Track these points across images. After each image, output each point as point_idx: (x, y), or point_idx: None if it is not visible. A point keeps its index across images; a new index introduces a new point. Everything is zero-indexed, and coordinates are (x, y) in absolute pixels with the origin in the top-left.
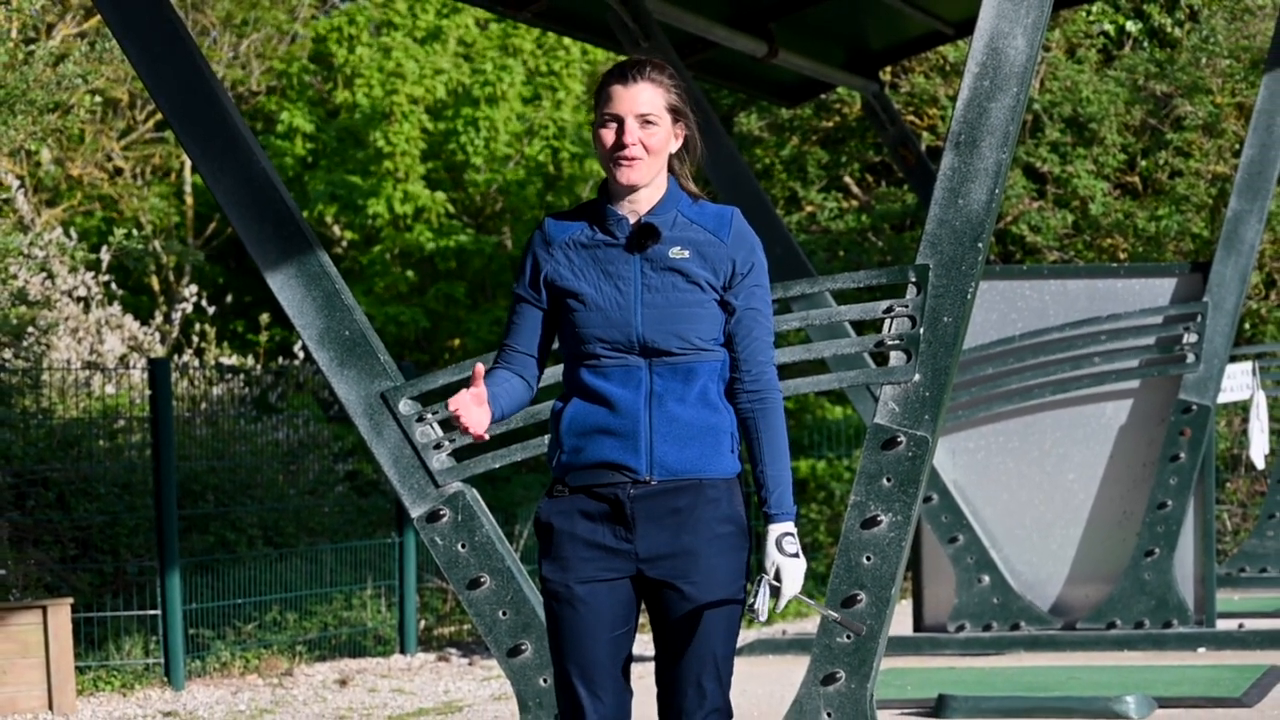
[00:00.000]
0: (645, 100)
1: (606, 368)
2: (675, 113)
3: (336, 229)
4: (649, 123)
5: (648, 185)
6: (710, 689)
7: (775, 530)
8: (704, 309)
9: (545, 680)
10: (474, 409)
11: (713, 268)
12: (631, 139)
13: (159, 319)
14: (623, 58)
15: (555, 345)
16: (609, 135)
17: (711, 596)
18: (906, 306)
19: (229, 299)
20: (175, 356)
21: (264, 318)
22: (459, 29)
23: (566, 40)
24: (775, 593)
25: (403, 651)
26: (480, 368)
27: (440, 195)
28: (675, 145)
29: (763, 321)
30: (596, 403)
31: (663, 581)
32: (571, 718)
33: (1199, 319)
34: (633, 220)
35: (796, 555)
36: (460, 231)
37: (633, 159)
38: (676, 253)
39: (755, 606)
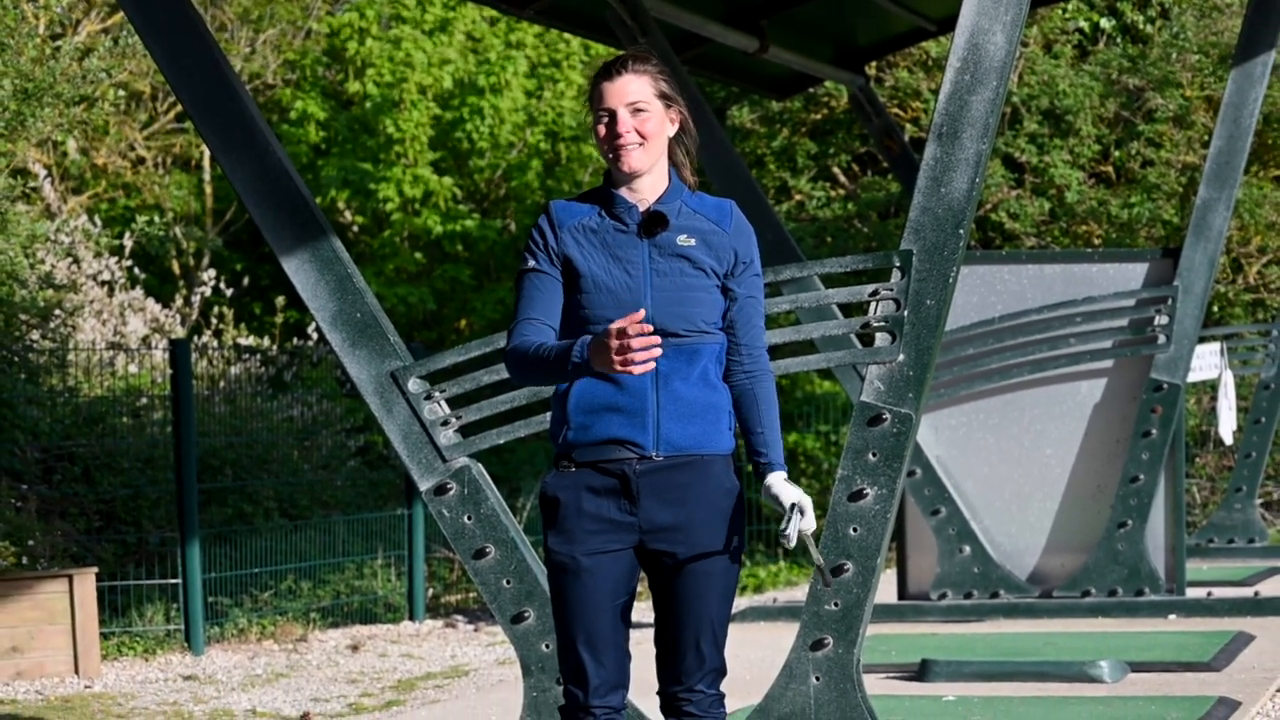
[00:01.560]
0: (633, 90)
1: None
2: (665, 98)
3: (348, 214)
4: (639, 110)
5: (650, 172)
6: (708, 651)
7: (781, 474)
8: (708, 294)
9: (547, 646)
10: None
11: (717, 256)
12: (625, 127)
13: (179, 302)
14: (621, 53)
15: None
16: (604, 130)
17: (710, 565)
18: (891, 290)
19: (246, 282)
20: (195, 337)
21: (279, 300)
22: (466, 23)
23: (567, 33)
24: (791, 518)
25: (411, 618)
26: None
27: (447, 180)
28: (671, 130)
29: (759, 308)
30: (605, 380)
31: (664, 551)
32: (575, 681)
33: (1170, 302)
34: (640, 208)
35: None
36: (466, 216)
37: (629, 145)
38: (684, 240)
39: (786, 533)
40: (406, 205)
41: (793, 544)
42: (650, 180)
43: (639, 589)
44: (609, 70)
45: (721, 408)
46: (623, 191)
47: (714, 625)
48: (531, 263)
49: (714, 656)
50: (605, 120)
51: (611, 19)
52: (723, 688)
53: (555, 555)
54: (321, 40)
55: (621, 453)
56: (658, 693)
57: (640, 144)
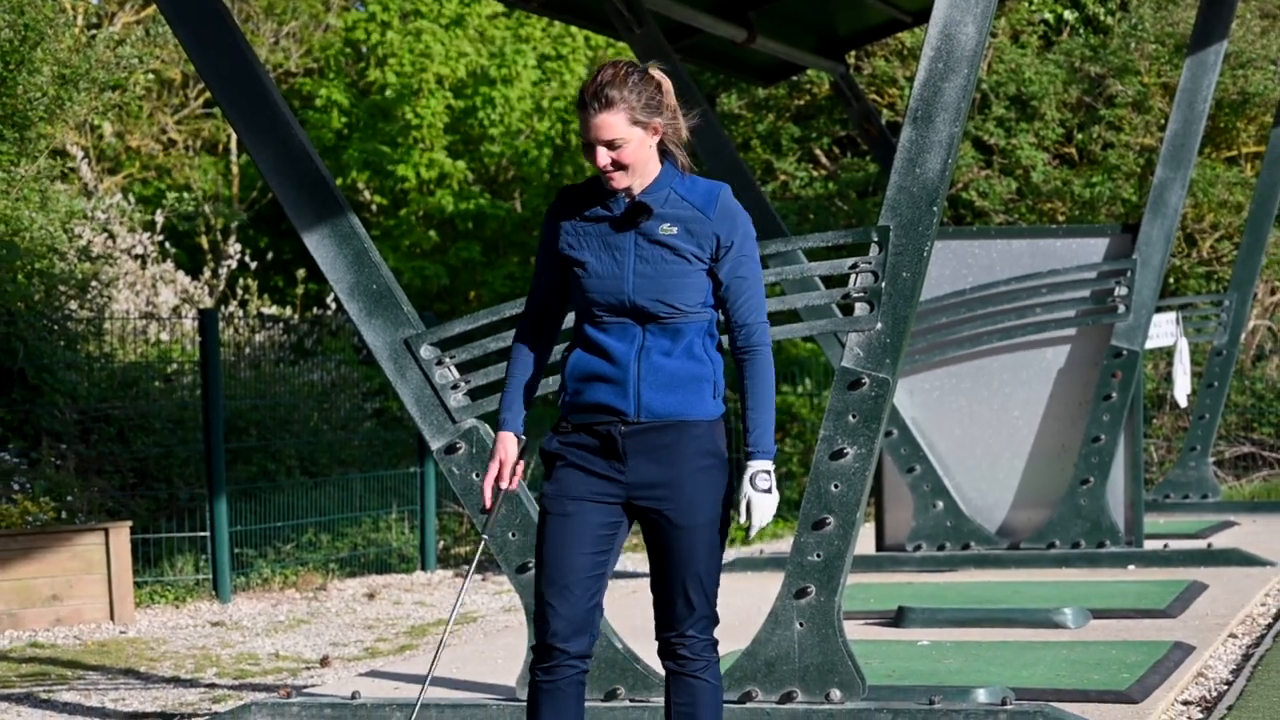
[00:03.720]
0: (607, 127)
1: (607, 324)
2: (640, 124)
3: (367, 194)
4: (616, 145)
5: (637, 180)
6: (697, 601)
7: (751, 468)
8: (690, 279)
9: None
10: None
11: (699, 242)
12: (604, 162)
13: (208, 274)
14: (613, 45)
15: None
16: (590, 157)
17: (694, 521)
18: (870, 263)
19: (270, 256)
20: (222, 307)
21: (300, 273)
22: (478, 19)
23: (572, 27)
24: (749, 524)
25: (423, 568)
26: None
27: (460, 164)
28: (654, 140)
29: (750, 286)
30: (596, 353)
31: (651, 508)
32: (541, 621)
33: (1129, 274)
34: (628, 199)
35: (768, 491)
36: (478, 196)
37: (611, 175)
38: (666, 229)
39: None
40: (422, 186)
41: (750, 537)
42: (640, 179)
43: (637, 542)
44: (587, 103)
45: (705, 378)
46: None
47: (701, 577)
48: (540, 250)
49: (704, 605)
50: (590, 147)
51: (610, 11)
52: (716, 634)
53: (545, 499)
54: (340, 33)
55: (608, 417)
56: (655, 638)
57: (621, 173)
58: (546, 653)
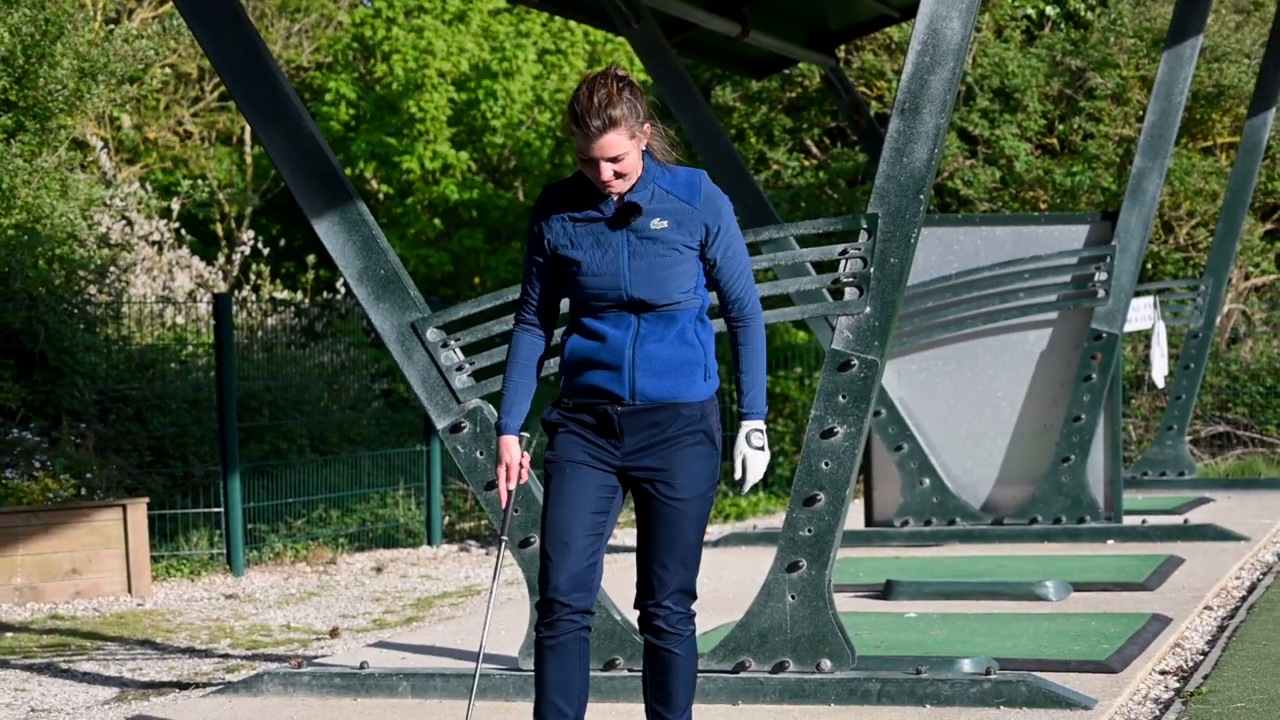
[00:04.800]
0: (611, 145)
1: (604, 313)
2: (635, 135)
3: (374, 183)
4: (617, 158)
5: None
6: (676, 571)
7: (745, 427)
8: (682, 267)
9: None
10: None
11: (689, 232)
12: (607, 175)
13: (222, 260)
14: (611, 40)
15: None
16: (590, 171)
17: (684, 495)
18: (859, 249)
19: (281, 243)
20: (236, 292)
21: (311, 259)
22: (480, 14)
23: (571, 22)
24: (743, 479)
25: (429, 543)
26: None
27: (464, 155)
28: (644, 143)
29: (738, 263)
30: (593, 339)
31: (644, 480)
32: (544, 577)
33: (1108, 260)
34: (616, 198)
35: (762, 449)
36: (481, 186)
37: (612, 185)
38: (657, 224)
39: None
40: (427, 176)
41: (743, 492)
42: (632, 180)
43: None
44: (584, 124)
45: (696, 362)
46: None
47: (684, 549)
48: (528, 246)
49: (683, 577)
50: (589, 163)
51: (608, 7)
52: (695, 607)
53: (548, 463)
54: (349, 29)
55: (605, 400)
56: (634, 607)
57: (622, 181)
58: (548, 607)
